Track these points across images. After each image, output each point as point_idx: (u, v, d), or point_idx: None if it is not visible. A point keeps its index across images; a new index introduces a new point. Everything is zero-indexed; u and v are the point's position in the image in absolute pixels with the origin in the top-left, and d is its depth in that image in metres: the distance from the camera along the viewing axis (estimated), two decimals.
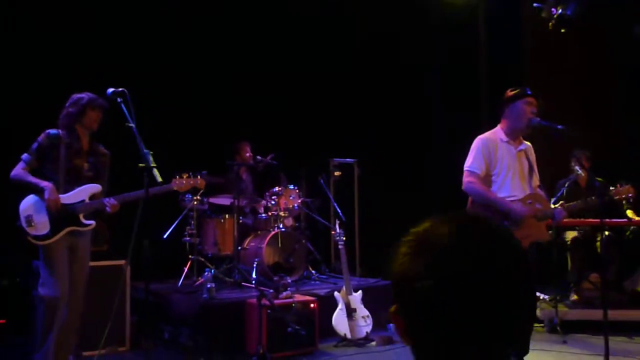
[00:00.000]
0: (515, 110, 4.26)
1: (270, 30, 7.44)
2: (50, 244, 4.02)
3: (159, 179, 3.37)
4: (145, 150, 3.26)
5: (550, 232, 4.49)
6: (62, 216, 4.07)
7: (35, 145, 4.15)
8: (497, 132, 4.37)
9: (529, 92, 4.27)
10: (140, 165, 3.25)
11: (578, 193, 6.18)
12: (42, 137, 4.16)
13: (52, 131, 4.18)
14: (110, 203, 4.09)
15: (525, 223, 4.07)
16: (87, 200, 4.16)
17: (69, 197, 4.12)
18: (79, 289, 4.16)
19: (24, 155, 4.14)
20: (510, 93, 4.32)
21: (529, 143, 4.49)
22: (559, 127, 4.23)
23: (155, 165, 3.23)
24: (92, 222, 4.21)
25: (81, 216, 4.15)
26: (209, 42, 7.08)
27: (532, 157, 4.44)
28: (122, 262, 5.12)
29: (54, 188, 4.04)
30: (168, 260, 6.25)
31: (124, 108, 3.46)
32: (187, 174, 4.36)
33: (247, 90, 7.27)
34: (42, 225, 4.03)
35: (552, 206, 4.28)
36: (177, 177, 4.37)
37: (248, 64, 7.34)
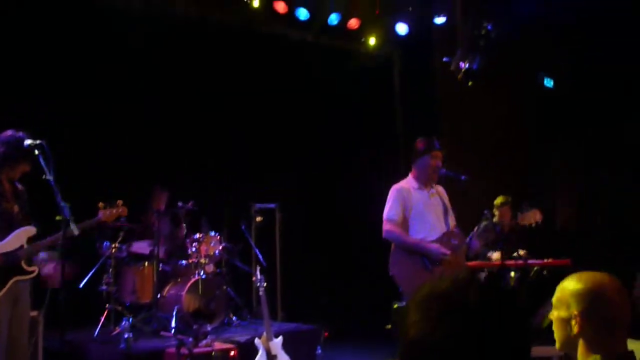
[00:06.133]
0: (423, 164, 4.62)
1: (192, 74, 7.51)
2: None
3: (77, 232, 3.36)
4: (63, 204, 3.25)
5: None
6: (4, 267, 3.74)
7: None
8: (409, 181, 4.72)
9: (436, 147, 4.63)
10: (58, 218, 3.23)
11: (494, 235, 6.55)
12: None
13: None
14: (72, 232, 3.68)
15: (446, 260, 4.36)
16: (25, 245, 3.84)
17: (6, 245, 3.79)
18: (20, 348, 3.85)
19: None
20: (418, 145, 4.67)
21: (439, 186, 4.83)
22: (463, 177, 4.60)
23: (72, 217, 3.21)
24: (35, 267, 3.91)
25: (23, 263, 3.83)
26: (127, 86, 7.03)
27: (445, 198, 4.80)
28: (35, 313, 4.96)
29: None
30: (84, 309, 6.10)
31: (42, 160, 3.43)
32: (107, 204, 4.24)
33: (167, 135, 7.27)
34: None
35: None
36: (102, 208, 4.22)
37: (167, 107, 7.32)
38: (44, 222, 3.90)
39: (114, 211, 4.25)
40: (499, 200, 6.90)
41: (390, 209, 4.60)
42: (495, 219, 6.62)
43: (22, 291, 3.89)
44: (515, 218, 6.66)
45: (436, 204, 4.69)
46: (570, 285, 2.04)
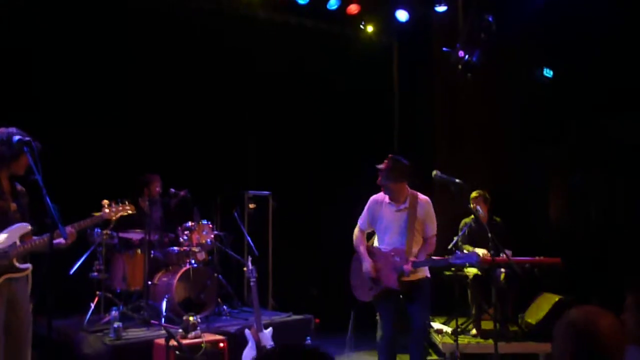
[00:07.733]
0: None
1: (185, 63, 7.41)
2: None
3: (66, 236, 3.32)
4: (52, 205, 3.19)
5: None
6: None
7: None
8: (384, 194, 4.99)
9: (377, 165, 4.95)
10: (47, 221, 3.17)
11: (480, 232, 6.51)
12: None
13: None
14: (69, 231, 3.61)
15: (378, 272, 4.85)
16: (18, 242, 3.76)
17: None
18: (23, 350, 3.74)
19: None
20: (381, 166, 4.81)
21: (424, 197, 4.84)
22: (457, 180, 4.58)
23: (61, 220, 3.17)
24: (29, 265, 3.83)
25: (15, 260, 3.75)
26: (117, 72, 6.94)
27: (419, 212, 4.81)
28: None
29: None
30: (75, 295, 6.10)
31: (30, 159, 3.36)
32: (114, 201, 4.20)
33: (160, 122, 7.19)
34: None
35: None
36: (106, 205, 4.16)
37: (160, 93, 7.22)
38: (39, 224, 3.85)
39: (120, 209, 4.22)
40: (474, 195, 6.82)
41: (361, 217, 5.11)
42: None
43: (17, 293, 3.79)
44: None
45: (399, 220, 4.86)
46: (564, 321, 2.07)
